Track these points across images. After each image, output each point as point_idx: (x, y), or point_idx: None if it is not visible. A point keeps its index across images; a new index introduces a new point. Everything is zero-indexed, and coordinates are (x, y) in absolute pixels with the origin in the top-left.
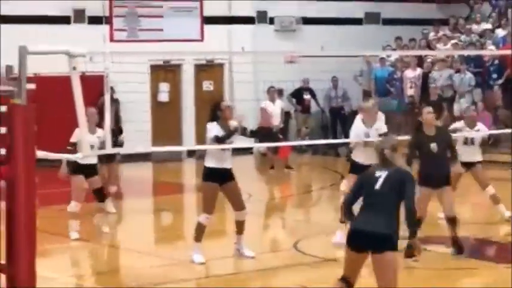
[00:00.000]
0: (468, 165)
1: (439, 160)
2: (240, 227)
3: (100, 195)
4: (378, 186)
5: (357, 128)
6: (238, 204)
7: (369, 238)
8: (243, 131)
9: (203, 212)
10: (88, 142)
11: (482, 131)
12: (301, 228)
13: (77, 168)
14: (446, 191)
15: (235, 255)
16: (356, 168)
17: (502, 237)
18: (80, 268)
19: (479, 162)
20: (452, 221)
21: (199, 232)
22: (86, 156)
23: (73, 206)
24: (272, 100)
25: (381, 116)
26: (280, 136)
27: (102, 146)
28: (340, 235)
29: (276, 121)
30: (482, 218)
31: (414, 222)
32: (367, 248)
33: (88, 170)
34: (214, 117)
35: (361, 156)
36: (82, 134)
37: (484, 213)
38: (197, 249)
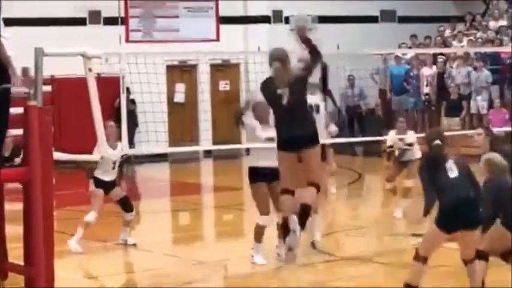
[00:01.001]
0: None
1: None
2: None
3: (126, 205)
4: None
5: None
6: None
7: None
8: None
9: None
10: (110, 157)
11: (412, 136)
12: (319, 226)
13: (98, 183)
14: None
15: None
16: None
17: None
18: (97, 269)
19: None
20: None
21: (259, 234)
22: (107, 171)
23: (91, 216)
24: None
25: None
26: None
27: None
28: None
29: None
30: None
31: None
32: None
33: (108, 186)
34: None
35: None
36: (99, 134)
37: None
38: (257, 250)
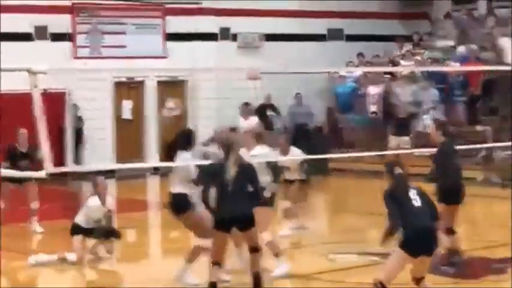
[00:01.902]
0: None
1: None
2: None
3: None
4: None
5: None
6: None
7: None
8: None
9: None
10: None
11: (295, 155)
12: None
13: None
14: None
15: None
16: None
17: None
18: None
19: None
20: None
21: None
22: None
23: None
24: (245, 117)
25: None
26: None
27: None
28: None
29: None
30: None
31: None
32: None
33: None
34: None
35: None
36: (44, 150)
37: None
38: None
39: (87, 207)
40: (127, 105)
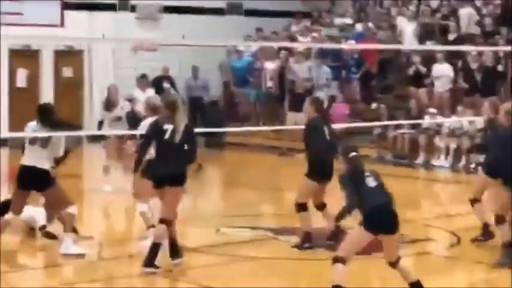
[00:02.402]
0: None
1: None
2: None
3: None
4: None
5: None
6: None
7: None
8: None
9: None
10: None
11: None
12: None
13: None
14: None
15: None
16: None
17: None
18: None
19: None
20: None
21: None
22: None
23: None
24: (142, 89)
25: None
26: None
27: None
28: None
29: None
30: None
31: None
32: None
33: None
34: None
35: None
36: None
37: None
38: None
39: None
40: (22, 74)
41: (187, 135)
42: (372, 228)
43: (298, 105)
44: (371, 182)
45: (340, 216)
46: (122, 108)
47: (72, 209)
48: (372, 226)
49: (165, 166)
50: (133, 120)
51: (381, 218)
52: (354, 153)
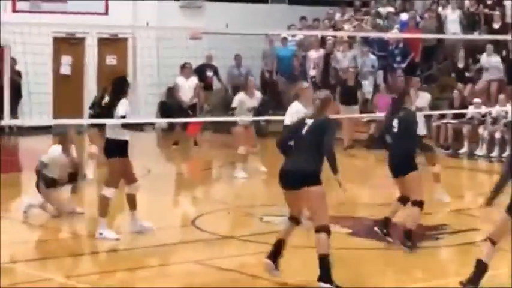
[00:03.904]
0: None
1: None
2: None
3: None
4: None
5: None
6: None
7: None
8: None
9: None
10: None
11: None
12: (200, 205)
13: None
14: None
15: (131, 231)
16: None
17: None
18: None
19: None
20: None
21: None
22: None
23: None
24: (186, 76)
25: None
26: (191, 112)
27: None
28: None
29: (189, 97)
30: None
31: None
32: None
33: None
34: (120, 92)
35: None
36: None
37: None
38: (104, 225)
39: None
40: (66, 61)
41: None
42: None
43: (351, 99)
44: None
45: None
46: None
47: (107, 192)
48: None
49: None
50: (178, 107)
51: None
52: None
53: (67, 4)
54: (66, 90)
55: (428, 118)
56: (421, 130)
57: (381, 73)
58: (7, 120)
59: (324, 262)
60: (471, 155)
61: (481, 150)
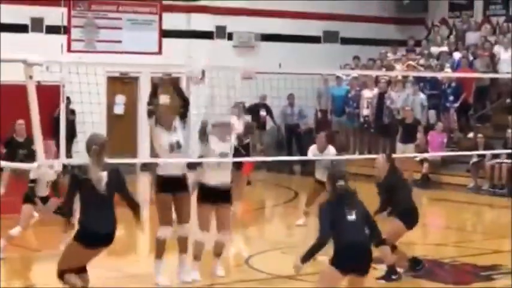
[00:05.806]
0: None
1: None
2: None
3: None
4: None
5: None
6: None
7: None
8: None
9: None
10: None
11: (331, 154)
12: (254, 244)
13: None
14: None
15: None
16: None
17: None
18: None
19: None
20: None
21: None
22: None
23: (15, 231)
24: (238, 115)
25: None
26: (244, 152)
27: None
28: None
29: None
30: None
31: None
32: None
33: (42, 200)
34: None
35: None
36: (37, 142)
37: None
38: (158, 268)
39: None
40: (119, 101)
41: None
42: (341, 268)
43: (409, 137)
44: (350, 216)
45: (308, 256)
46: None
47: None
48: (341, 265)
49: None
50: None
51: (352, 257)
52: (341, 182)
53: (121, 44)
54: (119, 129)
55: (481, 157)
56: None
57: (432, 112)
58: (63, 159)
59: None
60: None
61: None
